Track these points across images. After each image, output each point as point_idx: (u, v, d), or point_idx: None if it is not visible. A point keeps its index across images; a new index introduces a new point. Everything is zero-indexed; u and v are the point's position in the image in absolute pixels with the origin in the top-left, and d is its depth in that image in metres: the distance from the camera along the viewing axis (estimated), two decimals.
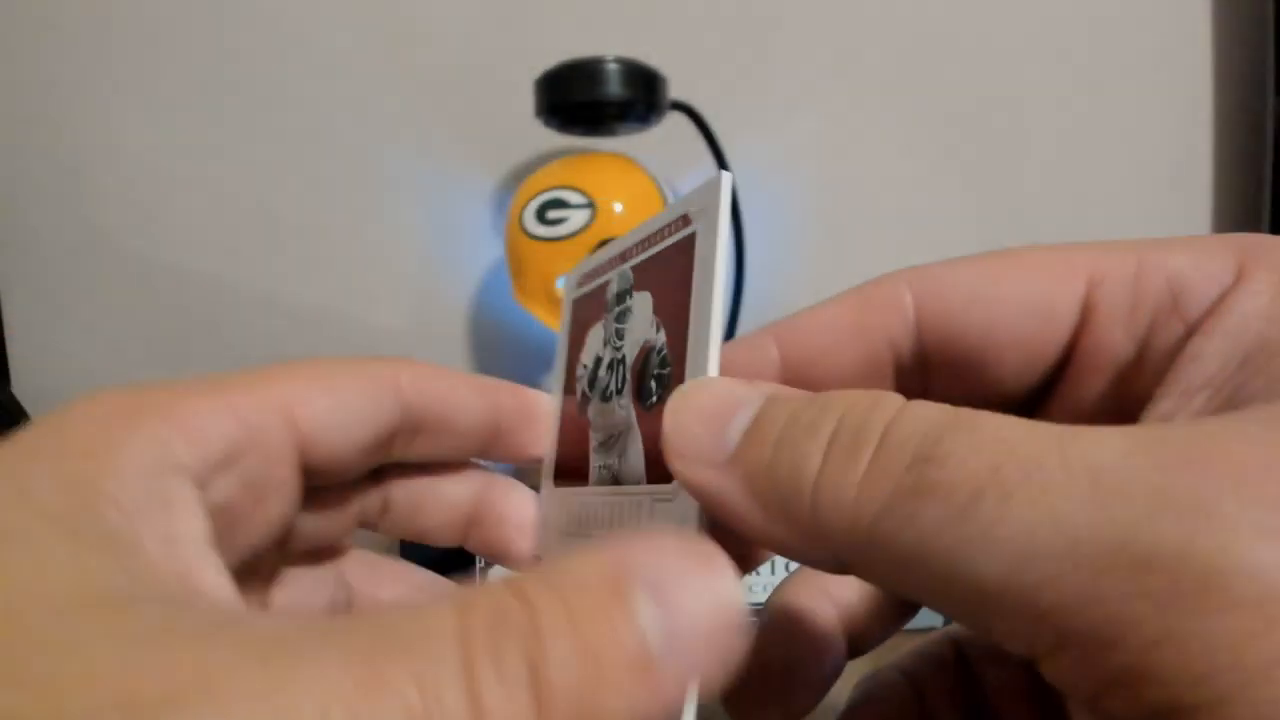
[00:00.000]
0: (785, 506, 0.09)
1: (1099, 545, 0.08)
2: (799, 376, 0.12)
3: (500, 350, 0.69)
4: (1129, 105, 0.65)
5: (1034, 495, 0.08)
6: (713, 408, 0.10)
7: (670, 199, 0.57)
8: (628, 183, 0.56)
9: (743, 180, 0.62)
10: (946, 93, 0.66)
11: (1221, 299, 0.11)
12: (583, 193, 0.55)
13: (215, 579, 0.10)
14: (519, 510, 0.17)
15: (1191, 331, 0.11)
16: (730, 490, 0.10)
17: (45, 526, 0.09)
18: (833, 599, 0.15)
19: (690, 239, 0.13)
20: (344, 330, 0.68)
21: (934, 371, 0.13)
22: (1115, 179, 0.66)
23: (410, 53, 0.67)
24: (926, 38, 0.66)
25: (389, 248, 0.68)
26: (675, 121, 0.59)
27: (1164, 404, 0.11)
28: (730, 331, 0.63)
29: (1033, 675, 0.11)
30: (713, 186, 0.13)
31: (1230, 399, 0.10)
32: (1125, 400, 0.12)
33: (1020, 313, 0.12)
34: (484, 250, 0.68)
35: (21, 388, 0.67)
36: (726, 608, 0.08)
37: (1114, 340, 0.11)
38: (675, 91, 0.58)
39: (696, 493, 0.10)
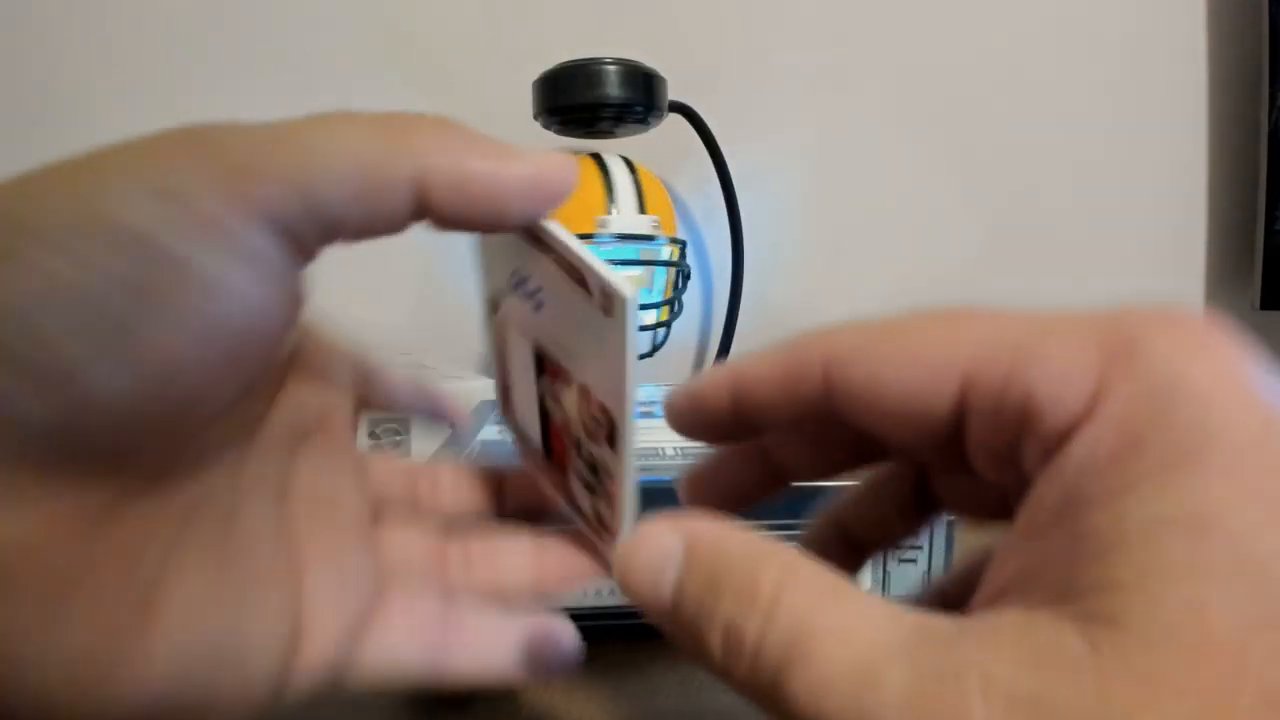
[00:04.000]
0: (703, 659, 0.13)
1: None
2: (747, 403, 0.15)
3: None
4: (1126, 106, 0.65)
5: (847, 705, 0.11)
6: (648, 567, 0.13)
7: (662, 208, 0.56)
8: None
9: (741, 181, 0.62)
10: (944, 94, 0.66)
11: (1069, 433, 0.12)
12: None
13: None
14: None
15: (1049, 453, 0.12)
16: (673, 631, 0.13)
17: None
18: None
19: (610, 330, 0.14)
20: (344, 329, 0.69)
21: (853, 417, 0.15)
22: (1113, 180, 0.66)
23: (409, 54, 0.67)
24: (924, 40, 0.66)
25: (388, 246, 0.68)
26: (674, 122, 0.59)
27: (1013, 537, 0.12)
28: (730, 330, 0.63)
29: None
30: (619, 307, 0.14)
31: (1043, 562, 0.11)
32: (1015, 452, 0.13)
33: (904, 404, 0.13)
34: None
35: None
36: None
37: (987, 437, 0.13)
38: (675, 92, 0.58)
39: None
